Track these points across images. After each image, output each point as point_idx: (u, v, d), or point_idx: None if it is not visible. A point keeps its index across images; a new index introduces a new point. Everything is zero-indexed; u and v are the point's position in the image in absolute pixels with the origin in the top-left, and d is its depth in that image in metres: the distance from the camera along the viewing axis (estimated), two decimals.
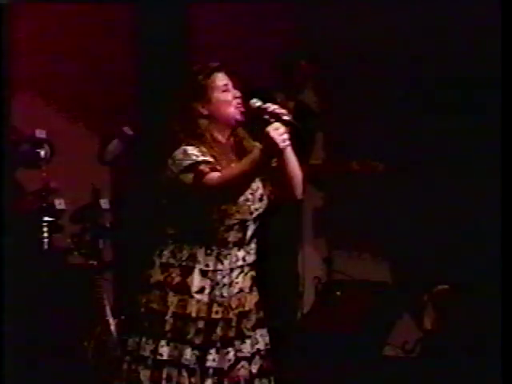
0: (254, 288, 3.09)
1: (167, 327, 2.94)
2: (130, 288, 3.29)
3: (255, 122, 2.96)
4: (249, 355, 3.03)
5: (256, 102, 2.94)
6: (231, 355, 2.98)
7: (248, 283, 3.05)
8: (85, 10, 5.08)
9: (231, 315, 2.99)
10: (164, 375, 2.93)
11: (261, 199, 3.02)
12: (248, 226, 3.00)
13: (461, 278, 5.07)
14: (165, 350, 2.93)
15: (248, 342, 3.03)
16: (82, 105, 5.18)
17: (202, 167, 2.84)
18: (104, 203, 4.71)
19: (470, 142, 5.27)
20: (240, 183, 2.83)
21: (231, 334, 2.99)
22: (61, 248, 4.65)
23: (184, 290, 2.94)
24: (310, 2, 5.56)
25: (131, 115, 5.26)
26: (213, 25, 5.44)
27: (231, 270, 2.99)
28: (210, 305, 2.96)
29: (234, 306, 3.00)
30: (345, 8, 5.40)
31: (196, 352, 2.94)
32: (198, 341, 2.94)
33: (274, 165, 2.95)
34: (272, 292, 3.70)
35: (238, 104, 3.00)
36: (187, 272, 2.95)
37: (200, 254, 2.95)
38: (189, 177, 2.86)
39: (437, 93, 5.39)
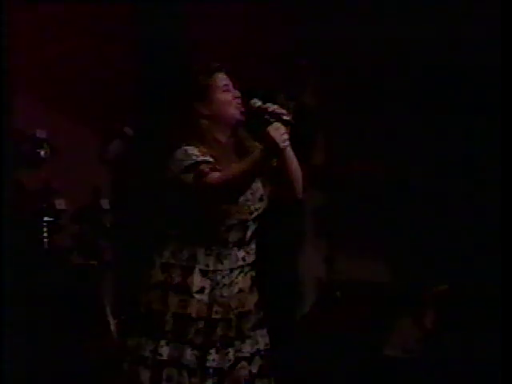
0: (254, 288, 3.09)
1: (167, 327, 2.94)
2: (130, 288, 3.29)
3: (255, 122, 2.96)
4: (249, 355, 3.03)
5: (256, 102, 2.95)
6: (231, 355, 2.98)
7: (248, 283, 3.06)
8: (85, 10, 5.08)
9: (231, 315, 2.99)
10: (164, 375, 2.93)
11: (261, 199, 3.03)
12: (248, 226, 3.00)
13: (461, 278, 5.07)
14: (165, 350, 2.93)
15: (248, 342, 3.03)
16: (82, 105, 5.18)
17: (203, 167, 2.85)
18: (104, 203, 4.72)
19: (470, 143, 5.28)
20: (240, 183, 2.83)
21: (231, 334, 2.99)
22: (61, 248, 4.66)
23: (184, 290, 2.94)
24: (310, 3, 5.56)
25: (131, 115, 5.27)
26: (213, 25, 5.44)
27: (231, 270, 2.99)
28: (210, 305, 2.96)
29: (233, 306, 3.00)
30: (345, 8, 5.41)
31: (196, 352, 2.93)
32: (198, 341, 2.94)
33: (274, 165, 2.96)
34: (272, 292, 3.70)
35: (238, 104, 3.00)
36: (187, 272, 2.95)
37: (200, 254, 2.95)
38: (189, 177, 2.86)
39: (437, 93, 5.39)
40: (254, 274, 3.08)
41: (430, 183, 5.44)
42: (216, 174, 2.83)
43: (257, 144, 2.93)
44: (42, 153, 4.63)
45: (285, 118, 2.83)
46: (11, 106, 4.31)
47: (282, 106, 2.91)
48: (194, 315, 2.94)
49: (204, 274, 2.96)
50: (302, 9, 5.65)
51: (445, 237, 5.36)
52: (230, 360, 2.98)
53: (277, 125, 2.79)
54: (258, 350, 3.06)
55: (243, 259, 3.02)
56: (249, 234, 3.02)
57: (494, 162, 3.70)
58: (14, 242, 4.01)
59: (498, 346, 3.40)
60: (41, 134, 4.64)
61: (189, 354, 2.93)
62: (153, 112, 5.07)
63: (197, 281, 2.95)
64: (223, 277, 2.97)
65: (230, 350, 2.98)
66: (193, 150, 2.90)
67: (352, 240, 5.84)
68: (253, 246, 3.06)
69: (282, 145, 2.76)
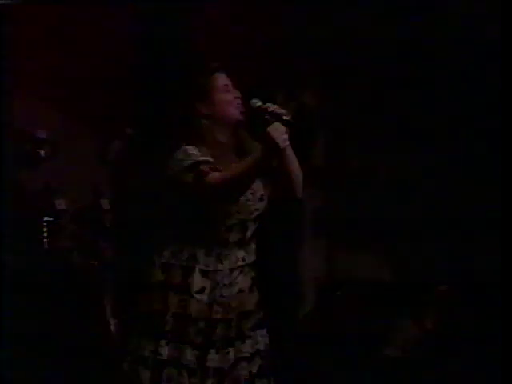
0: (254, 288, 3.09)
1: (167, 327, 2.93)
2: (130, 288, 3.29)
3: (255, 122, 2.96)
4: (249, 355, 3.03)
5: (256, 102, 2.94)
6: (231, 355, 2.98)
7: (248, 283, 3.06)
8: (85, 10, 5.08)
9: (231, 315, 2.99)
10: (164, 375, 2.93)
11: (261, 199, 3.03)
12: (248, 226, 3.00)
13: (461, 278, 5.07)
14: (165, 350, 2.93)
15: (248, 342, 3.03)
16: (83, 105, 5.18)
17: (203, 167, 2.85)
18: (104, 203, 4.73)
19: (470, 144, 5.27)
20: (241, 183, 2.83)
21: (231, 334, 2.99)
22: (61, 248, 4.66)
23: (184, 290, 2.94)
24: (310, 2, 5.56)
25: (131, 115, 5.27)
26: (213, 25, 5.44)
27: (231, 270, 2.99)
28: (210, 305, 2.95)
29: (234, 306, 3.00)
30: (345, 7, 5.40)
31: (196, 352, 2.93)
32: (198, 341, 2.94)
33: (274, 165, 2.95)
34: (272, 292, 3.70)
35: (238, 104, 3.00)
36: (188, 272, 2.95)
37: (200, 254, 2.95)
38: (189, 176, 2.86)
39: (438, 92, 5.39)
40: (253, 274, 3.08)
41: (431, 183, 5.44)
42: (216, 174, 2.83)
43: (257, 144, 2.93)
44: (42, 153, 4.63)
45: (285, 118, 2.83)
46: (11, 105, 4.31)
47: (281, 106, 2.91)
48: (194, 315, 2.94)
49: (204, 274, 2.96)
50: (302, 8, 5.65)
51: (445, 237, 5.36)
52: (230, 360, 2.98)
53: (277, 125, 2.79)
54: (258, 350, 3.06)
55: (243, 259, 3.02)
56: (249, 234, 3.02)
57: (495, 161, 3.70)
58: (14, 242, 4.02)
59: (498, 345, 3.40)
60: (41, 134, 4.64)
61: (189, 354, 2.93)
62: (153, 112, 5.07)
63: (197, 281, 2.95)
64: (223, 277, 2.97)
65: (230, 350, 2.98)
66: (193, 150, 2.90)
67: (352, 240, 5.84)
68: (253, 246, 3.06)
69: (282, 145, 2.76)
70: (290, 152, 2.96)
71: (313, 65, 5.29)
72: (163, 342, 2.93)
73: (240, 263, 3.01)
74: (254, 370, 3.04)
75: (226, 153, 2.99)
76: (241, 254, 3.01)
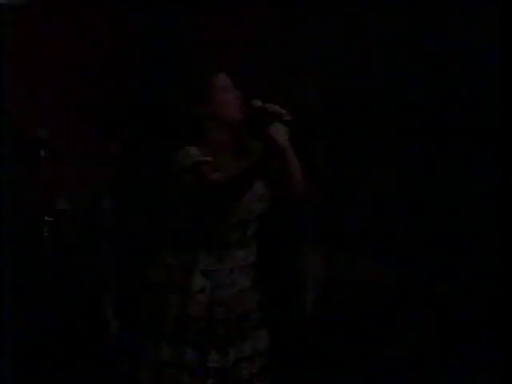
0: (255, 288, 3.09)
1: (167, 327, 2.94)
2: (130, 288, 3.29)
3: (255, 122, 2.96)
4: (249, 355, 3.03)
5: (256, 102, 2.95)
6: (232, 355, 2.98)
7: (248, 283, 3.06)
8: (85, 9, 5.08)
9: (232, 315, 2.99)
10: (164, 375, 2.93)
11: (261, 199, 3.03)
12: (248, 225, 3.00)
13: (461, 278, 5.07)
14: (165, 350, 2.93)
15: (248, 342, 3.03)
16: (83, 105, 5.18)
17: (203, 167, 2.85)
18: (104, 203, 4.73)
19: (471, 145, 5.27)
20: (241, 184, 2.83)
21: (232, 334, 2.99)
22: (61, 248, 4.66)
23: (185, 290, 2.94)
24: (310, 2, 5.56)
25: (131, 115, 5.26)
26: (213, 25, 5.44)
27: (231, 270, 2.99)
28: (210, 305, 2.96)
29: (234, 306, 3.00)
30: (345, 8, 5.40)
31: (196, 352, 2.94)
32: (198, 341, 2.94)
33: (274, 165, 2.95)
34: (272, 292, 3.70)
35: (239, 104, 3.00)
36: (188, 272, 2.95)
37: (200, 253, 2.96)
38: (189, 177, 2.86)
39: (437, 92, 5.38)
40: (254, 273, 3.08)
41: (431, 182, 5.44)
42: (216, 175, 2.83)
43: (257, 144, 2.93)
44: (42, 153, 4.63)
45: (285, 118, 2.84)
46: (11, 105, 4.31)
47: (281, 106, 2.92)
48: (194, 315, 2.94)
49: (204, 273, 2.96)
50: (302, 9, 5.65)
51: (445, 237, 5.36)
52: (230, 360, 2.98)
53: (277, 125, 2.79)
54: (259, 350, 3.06)
55: (243, 259, 3.02)
56: (249, 233, 3.02)
57: (495, 161, 3.70)
58: (14, 242, 4.02)
59: (498, 345, 3.40)
60: (41, 133, 4.64)
61: (189, 354, 2.93)
62: (152, 112, 5.07)
63: (197, 281, 2.95)
64: (223, 277, 2.98)
65: (230, 350, 2.98)
66: (193, 150, 2.90)
67: (352, 240, 5.84)
68: (253, 245, 3.06)
69: (282, 145, 2.76)
70: (290, 152, 2.96)
71: (313, 65, 5.28)
72: (163, 342, 2.93)
73: (240, 263, 3.01)
74: (254, 370, 3.04)
75: (226, 153, 2.99)
76: (241, 253, 3.01)
